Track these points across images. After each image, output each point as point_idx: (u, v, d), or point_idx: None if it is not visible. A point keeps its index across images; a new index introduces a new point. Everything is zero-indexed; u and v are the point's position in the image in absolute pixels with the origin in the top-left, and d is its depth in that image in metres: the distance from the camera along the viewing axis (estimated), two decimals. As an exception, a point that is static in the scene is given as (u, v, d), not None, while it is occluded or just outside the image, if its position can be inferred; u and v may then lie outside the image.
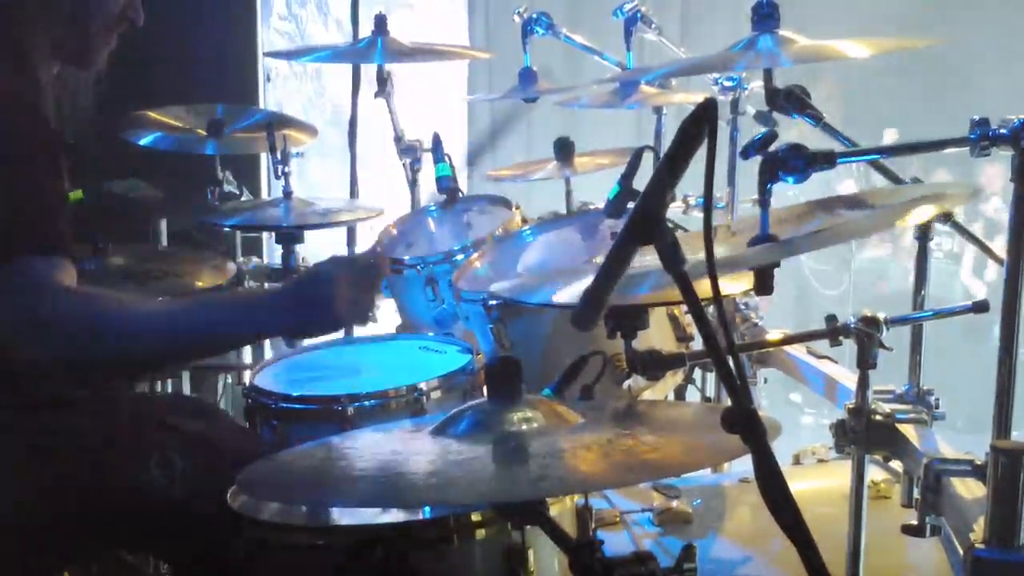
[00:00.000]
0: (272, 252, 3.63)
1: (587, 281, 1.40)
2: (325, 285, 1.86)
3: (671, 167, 1.24)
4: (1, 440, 1.81)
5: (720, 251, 1.49)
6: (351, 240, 3.56)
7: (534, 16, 3.22)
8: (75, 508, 1.83)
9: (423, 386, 2.14)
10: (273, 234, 3.14)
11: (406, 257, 2.80)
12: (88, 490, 1.84)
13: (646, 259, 1.41)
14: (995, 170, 5.84)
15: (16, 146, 1.74)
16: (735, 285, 1.91)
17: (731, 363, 1.21)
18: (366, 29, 3.29)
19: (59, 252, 1.70)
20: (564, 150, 3.17)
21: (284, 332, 1.97)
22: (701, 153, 1.22)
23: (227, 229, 3.27)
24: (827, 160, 1.64)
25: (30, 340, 1.65)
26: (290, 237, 2.93)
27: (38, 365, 1.68)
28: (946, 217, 2.02)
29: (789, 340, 2.33)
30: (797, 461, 2.36)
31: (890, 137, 6.10)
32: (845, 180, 6.33)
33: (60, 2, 1.88)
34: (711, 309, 1.34)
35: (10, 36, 1.84)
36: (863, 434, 1.81)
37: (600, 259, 1.42)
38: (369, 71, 3.47)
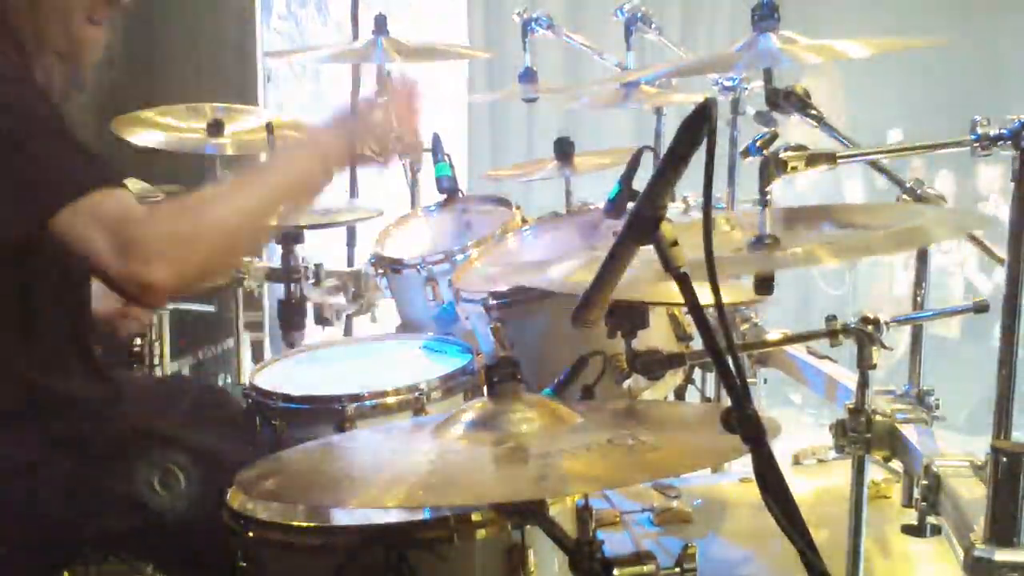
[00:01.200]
0: (272, 252, 3.63)
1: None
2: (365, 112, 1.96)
3: (671, 167, 1.24)
4: (2, 447, 1.81)
5: (720, 249, 1.49)
6: (351, 240, 3.56)
7: (534, 16, 3.22)
8: (75, 518, 1.83)
9: (423, 386, 2.14)
10: (272, 234, 3.13)
11: (406, 257, 2.80)
12: (89, 501, 1.84)
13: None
14: (994, 171, 5.85)
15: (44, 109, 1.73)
16: (735, 293, 1.92)
17: (731, 363, 1.21)
18: (366, 29, 3.30)
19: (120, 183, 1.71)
20: (564, 150, 3.17)
21: (343, 159, 1.97)
22: (701, 153, 1.22)
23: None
24: (827, 161, 1.64)
25: (138, 262, 1.63)
26: (290, 237, 2.93)
27: (152, 284, 1.64)
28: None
29: (789, 340, 2.32)
30: (797, 461, 2.36)
31: (895, 138, 6.11)
32: (853, 178, 6.35)
33: None
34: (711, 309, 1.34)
35: (5, 24, 1.81)
36: (863, 434, 1.80)
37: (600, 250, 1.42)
38: (369, 71, 3.48)
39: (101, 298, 2.11)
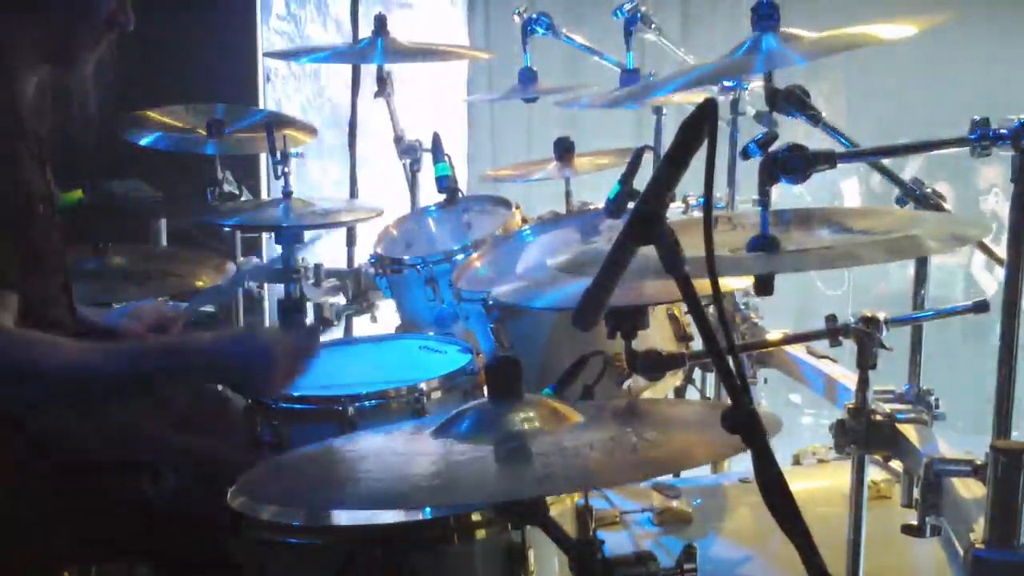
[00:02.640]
0: (272, 252, 3.63)
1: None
2: (262, 350, 1.86)
3: (671, 167, 1.24)
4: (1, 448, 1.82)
5: (720, 248, 1.49)
6: (351, 240, 3.56)
7: (534, 16, 3.22)
8: (68, 520, 1.83)
9: (423, 386, 2.14)
10: (273, 234, 3.14)
11: (406, 257, 2.80)
12: (80, 504, 1.85)
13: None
14: (993, 171, 5.85)
15: None
16: (736, 281, 1.91)
17: (731, 363, 1.21)
18: (366, 29, 3.30)
19: None
20: (564, 150, 3.17)
21: (213, 381, 1.94)
22: (701, 153, 1.22)
23: (227, 229, 3.27)
24: (826, 160, 1.64)
25: None
26: (290, 237, 2.93)
27: None
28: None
29: (789, 340, 2.33)
30: (797, 461, 2.36)
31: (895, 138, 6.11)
32: (849, 178, 6.35)
33: (46, 6, 1.86)
34: (711, 309, 1.34)
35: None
36: (863, 434, 1.80)
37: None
38: (369, 71, 3.48)
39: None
